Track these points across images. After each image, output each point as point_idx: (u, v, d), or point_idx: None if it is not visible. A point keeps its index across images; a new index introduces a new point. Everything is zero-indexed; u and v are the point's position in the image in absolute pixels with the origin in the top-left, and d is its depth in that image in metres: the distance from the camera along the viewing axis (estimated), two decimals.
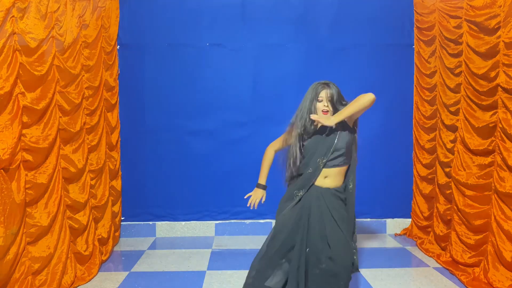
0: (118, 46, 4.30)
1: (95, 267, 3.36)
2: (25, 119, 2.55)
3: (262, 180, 2.47)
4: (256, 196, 2.46)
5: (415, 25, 4.38)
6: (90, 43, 3.54)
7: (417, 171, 4.32)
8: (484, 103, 3.13)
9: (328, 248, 2.15)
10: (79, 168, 3.25)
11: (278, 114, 4.36)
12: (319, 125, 2.29)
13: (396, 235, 4.44)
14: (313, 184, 2.27)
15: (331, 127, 2.21)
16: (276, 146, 2.46)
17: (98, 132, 3.72)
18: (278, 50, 4.39)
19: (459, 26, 3.49)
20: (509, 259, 2.78)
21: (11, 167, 2.39)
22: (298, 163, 2.29)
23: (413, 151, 4.44)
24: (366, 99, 2.13)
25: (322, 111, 2.26)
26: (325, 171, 2.26)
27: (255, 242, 4.22)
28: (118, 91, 4.29)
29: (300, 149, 2.29)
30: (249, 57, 4.39)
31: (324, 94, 2.27)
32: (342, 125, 2.26)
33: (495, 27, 2.98)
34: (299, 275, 2.17)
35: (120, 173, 4.31)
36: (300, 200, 2.27)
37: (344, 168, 2.32)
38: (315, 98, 2.28)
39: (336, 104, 2.26)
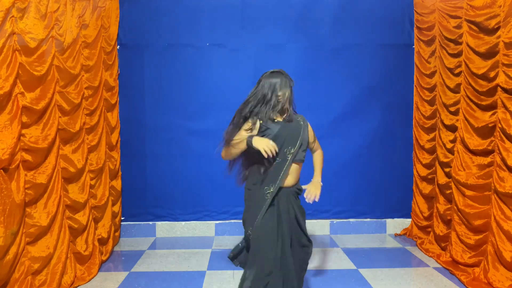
0: (118, 46, 4.30)
1: (95, 267, 3.36)
2: (24, 119, 2.55)
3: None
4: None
5: (415, 25, 4.37)
6: (90, 43, 3.54)
7: (417, 171, 4.32)
8: (483, 103, 3.13)
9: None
10: (78, 168, 3.25)
11: None
12: (285, 115, 2.34)
13: (396, 235, 4.43)
14: (280, 181, 2.21)
15: (297, 120, 2.33)
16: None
17: (98, 132, 3.72)
18: (278, 50, 4.39)
19: (459, 26, 3.49)
20: (509, 259, 2.78)
21: (10, 167, 2.39)
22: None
23: (413, 151, 4.43)
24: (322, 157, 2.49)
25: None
26: (292, 166, 2.25)
27: None
28: (118, 91, 4.29)
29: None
30: (249, 57, 4.38)
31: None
32: (304, 125, 2.33)
33: (495, 27, 2.98)
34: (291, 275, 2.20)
35: (120, 173, 4.31)
36: (272, 203, 2.21)
37: (301, 165, 2.34)
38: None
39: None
